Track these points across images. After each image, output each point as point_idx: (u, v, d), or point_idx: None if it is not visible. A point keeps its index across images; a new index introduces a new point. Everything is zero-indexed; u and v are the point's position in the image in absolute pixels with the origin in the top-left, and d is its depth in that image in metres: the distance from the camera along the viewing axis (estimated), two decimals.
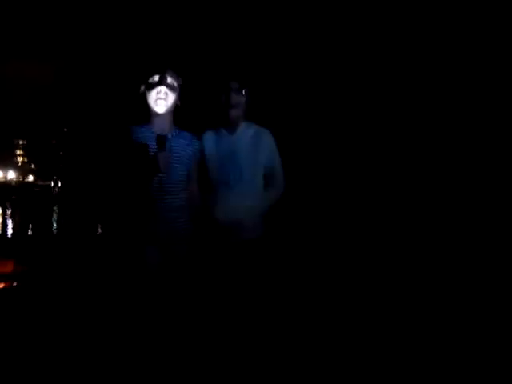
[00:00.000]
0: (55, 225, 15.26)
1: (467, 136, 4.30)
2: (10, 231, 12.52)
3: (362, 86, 4.73)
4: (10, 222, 15.33)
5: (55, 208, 23.80)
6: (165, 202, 2.27)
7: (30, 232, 12.60)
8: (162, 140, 2.19)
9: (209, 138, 2.51)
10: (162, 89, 2.28)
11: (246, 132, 2.51)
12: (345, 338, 3.13)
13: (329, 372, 2.69)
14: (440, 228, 4.35)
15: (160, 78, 2.30)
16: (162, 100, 2.29)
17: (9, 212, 20.10)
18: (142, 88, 2.34)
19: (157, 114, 2.32)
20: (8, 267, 4.97)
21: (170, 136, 2.31)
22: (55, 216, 19.15)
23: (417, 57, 4.56)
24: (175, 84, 2.35)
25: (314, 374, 2.66)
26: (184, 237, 2.34)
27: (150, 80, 2.31)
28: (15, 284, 4.53)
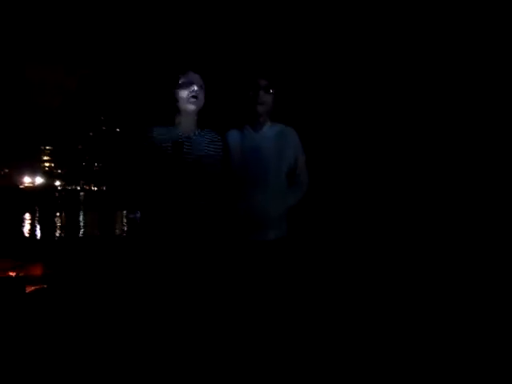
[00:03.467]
0: (82, 228, 15.55)
1: (473, 138, 4.23)
2: (38, 235, 12.81)
3: (390, 89, 4.67)
4: (38, 227, 15.69)
5: (82, 211, 24.26)
6: (188, 202, 2.27)
7: (58, 235, 12.87)
8: (178, 145, 2.25)
9: (233, 135, 2.50)
10: (195, 88, 2.34)
11: (271, 130, 2.49)
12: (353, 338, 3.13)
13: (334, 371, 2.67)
14: (447, 229, 4.28)
15: (193, 77, 2.37)
16: (194, 99, 2.34)
17: (37, 216, 20.58)
18: (173, 88, 2.38)
19: (185, 114, 2.36)
20: (37, 270, 5.07)
21: (193, 135, 2.34)
22: (82, 219, 19.52)
23: (427, 56, 4.50)
24: (203, 88, 2.41)
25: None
26: (206, 237, 2.35)
27: (182, 79, 2.36)
28: (45, 287, 4.61)
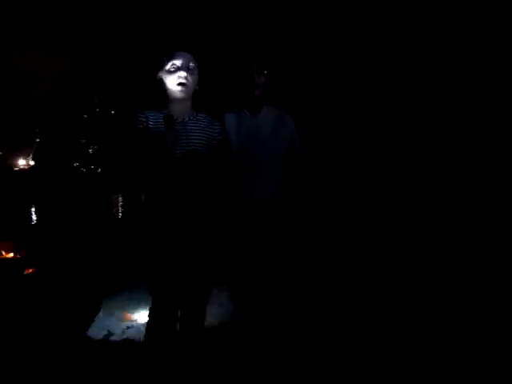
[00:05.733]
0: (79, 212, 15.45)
1: (473, 138, 4.21)
2: (34, 217, 12.77)
3: (388, 73, 4.61)
4: (33, 208, 15.60)
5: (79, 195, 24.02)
6: (185, 187, 2.21)
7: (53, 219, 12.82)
8: (169, 119, 2.16)
9: (230, 119, 2.48)
10: (183, 73, 2.22)
11: (268, 114, 2.49)
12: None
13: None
14: (443, 228, 4.28)
15: (181, 62, 2.24)
16: (181, 86, 2.23)
17: (33, 200, 20.41)
18: (161, 73, 2.29)
19: (176, 99, 2.27)
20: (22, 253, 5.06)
21: (187, 120, 2.28)
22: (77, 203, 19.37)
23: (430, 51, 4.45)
24: (195, 68, 2.29)
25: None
26: (204, 222, 2.29)
27: (170, 64, 2.25)
28: (33, 270, 4.61)
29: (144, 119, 2.23)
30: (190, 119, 2.30)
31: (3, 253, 4.75)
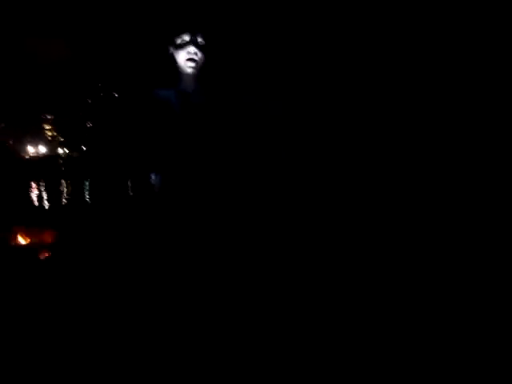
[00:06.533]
0: (87, 194, 15.65)
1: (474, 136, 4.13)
2: (46, 203, 12.94)
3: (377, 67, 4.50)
4: (45, 195, 15.83)
5: (86, 177, 24.29)
6: (194, 162, 2.25)
7: (64, 202, 12.99)
8: (186, 99, 2.23)
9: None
10: (193, 49, 2.26)
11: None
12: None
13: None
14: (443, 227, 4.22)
15: (190, 37, 2.27)
16: (193, 60, 2.27)
17: (43, 185, 20.72)
18: (171, 49, 2.32)
19: (186, 74, 2.31)
20: (48, 237, 5.15)
21: (193, 94, 2.32)
22: (87, 185, 19.61)
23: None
24: (203, 43, 2.32)
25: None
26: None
27: (180, 40, 2.28)
28: (56, 253, 4.69)
29: (154, 97, 2.27)
30: (195, 93, 2.32)
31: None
